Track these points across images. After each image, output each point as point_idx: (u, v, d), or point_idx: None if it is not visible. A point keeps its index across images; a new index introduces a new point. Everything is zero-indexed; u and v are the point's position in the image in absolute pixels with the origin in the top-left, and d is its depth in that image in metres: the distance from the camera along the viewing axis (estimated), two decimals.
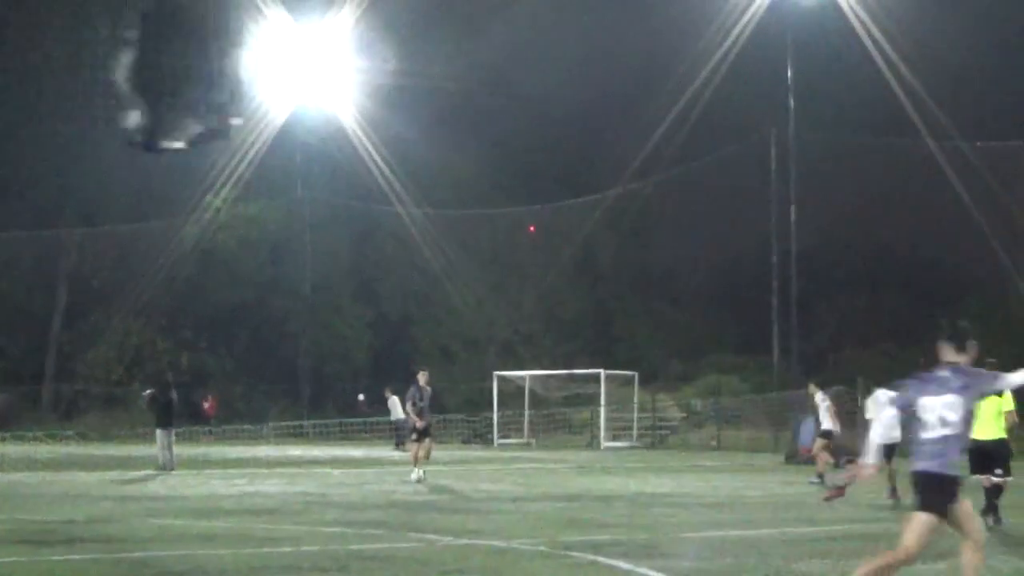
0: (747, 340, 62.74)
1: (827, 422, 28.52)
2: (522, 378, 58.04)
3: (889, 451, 22.11)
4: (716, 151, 63.29)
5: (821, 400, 29.04)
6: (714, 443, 50.22)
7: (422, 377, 28.73)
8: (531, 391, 57.94)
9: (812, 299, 61.96)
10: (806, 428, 42.86)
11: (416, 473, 27.80)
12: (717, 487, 26.60)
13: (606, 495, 25.15)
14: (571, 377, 57.89)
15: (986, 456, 17.50)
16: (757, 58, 59.77)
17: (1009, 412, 17.76)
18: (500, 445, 53.69)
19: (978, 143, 60.79)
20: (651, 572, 13.26)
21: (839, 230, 65.06)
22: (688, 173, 65.93)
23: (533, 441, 55.34)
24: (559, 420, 58.28)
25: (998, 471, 17.61)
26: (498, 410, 56.58)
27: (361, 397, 64.01)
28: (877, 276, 66.13)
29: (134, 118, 10.72)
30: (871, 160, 63.82)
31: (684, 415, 57.19)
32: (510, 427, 57.03)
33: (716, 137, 63.60)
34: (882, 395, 23.93)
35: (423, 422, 28.33)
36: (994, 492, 17.77)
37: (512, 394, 57.84)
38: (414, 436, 28.52)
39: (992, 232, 59.36)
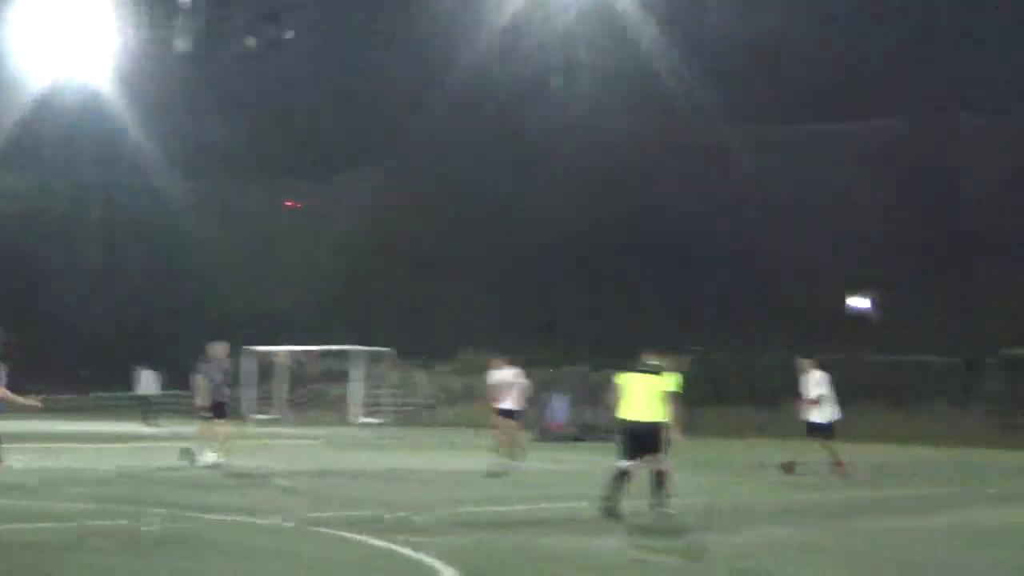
0: (508, 319, 63.39)
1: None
2: (276, 353, 57.61)
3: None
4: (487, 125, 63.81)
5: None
6: (468, 419, 50.57)
7: (219, 350, 26.10)
8: (285, 366, 57.56)
9: (576, 278, 63.07)
10: (558, 405, 43.63)
11: (210, 456, 25.08)
12: (469, 464, 26.82)
13: (358, 471, 25.14)
14: (326, 353, 57.68)
15: (640, 440, 16.69)
16: (526, 40, 60.42)
17: (672, 394, 16.75)
18: (254, 420, 53.16)
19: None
20: (401, 548, 13.29)
21: (609, 210, 66.08)
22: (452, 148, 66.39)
23: (287, 416, 54.98)
24: (314, 396, 58.03)
25: (652, 455, 16.69)
26: (252, 385, 56.03)
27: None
28: (648, 257, 67.47)
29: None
30: (642, 142, 65.21)
31: (439, 392, 57.50)
32: (263, 402, 56.53)
33: (489, 111, 64.30)
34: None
35: (219, 400, 25.55)
36: (659, 477, 16.78)
37: (267, 369, 57.36)
38: (209, 414, 25.53)
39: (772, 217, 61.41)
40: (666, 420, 16.61)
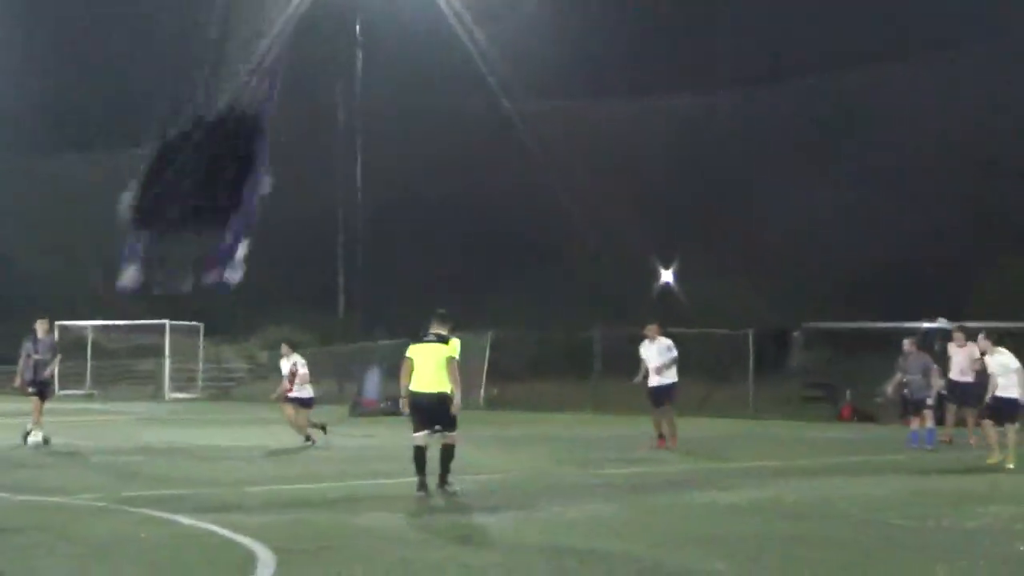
0: (315, 293, 63.18)
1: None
2: (84, 328, 56.69)
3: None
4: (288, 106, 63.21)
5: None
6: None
7: (40, 327, 25.48)
8: (94, 341, 56.69)
9: (382, 253, 62.92)
10: (371, 381, 43.71)
11: (37, 435, 24.53)
12: (281, 440, 26.86)
13: (169, 448, 25.00)
14: (136, 327, 56.92)
15: (431, 411, 16.65)
16: (328, 12, 59.98)
17: (450, 360, 16.63)
18: (63, 396, 52.25)
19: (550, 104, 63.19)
20: (213, 526, 13.34)
21: (412, 186, 66.22)
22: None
23: (97, 392, 54.19)
24: (123, 371, 57.25)
25: (444, 427, 16.62)
26: (61, 360, 54.98)
27: None
28: (446, 232, 67.86)
29: None
30: (442, 119, 65.28)
31: (249, 367, 57.17)
32: (72, 378, 55.57)
33: (286, 91, 63.57)
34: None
35: (40, 376, 24.98)
36: (447, 451, 16.70)
37: (75, 344, 56.37)
38: (32, 391, 24.88)
39: (563, 192, 61.93)
40: (453, 389, 16.62)
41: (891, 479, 19.30)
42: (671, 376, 25.71)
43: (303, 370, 26.20)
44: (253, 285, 66.56)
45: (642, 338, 26.23)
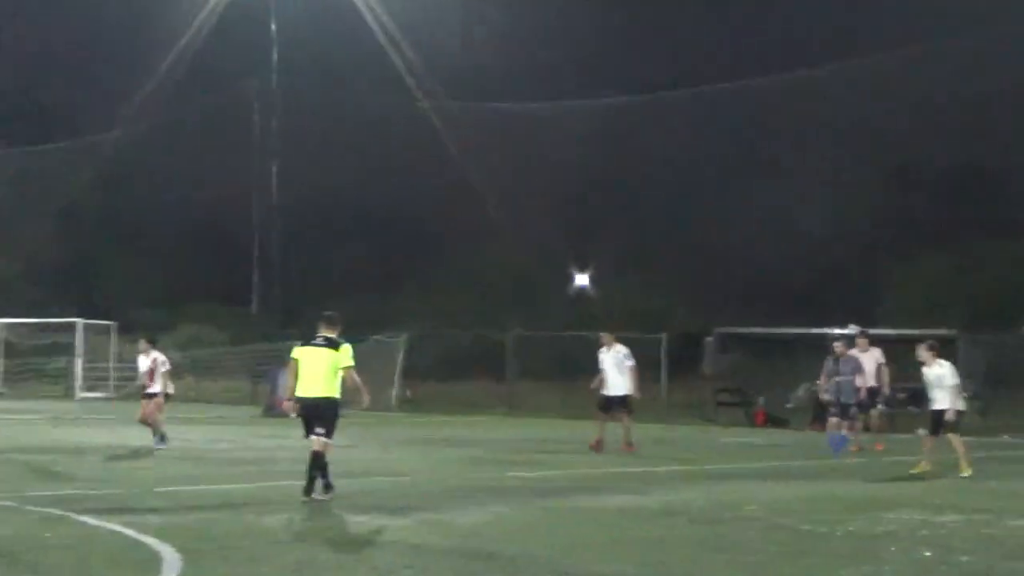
0: (229, 291, 62.87)
1: None
2: None
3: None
4: (204, 101, 62.94)
5: None
6: (192, 394, 50.01)
7: None
8: (4, 340, 56.02)
9: (299, 251, 62.78)
10: (284, 382, 43.40)
11: None
12: (192, 440, 26.62)
13: (78, 447, 24.77)
14: (47, 326, 56.25)
15: (312, 415, 16.38)
16: (244, 10, 59.80)
17: (347, 369, 16.33)
18: None
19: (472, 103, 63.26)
20: (118, 527, 13.24)
21: (329, 185, 65.97)
22: (177, 123, 65.38)
23: (6, 391, 53.52)
24: (33, 369, 56.56)
25: (319, 430, 16.22)
26: None
27: None
28: (363, 231, 67.76)
29: None
30: (360, 118, 65.13)
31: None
32: None
33: (206, 86, 63.38)
34: None
35: None
36: (317, 458, 16.22)
37: None
38: None
39: (480, 193, 62.09)
40: (338, 395, 16.35)
41: (800, 484, 19.46)
42: (623, 386, 25.83)
43: (164, 367, 25.68)
44: (166, 283, 66.31)
45: (599, 346, 26.50)
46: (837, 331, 40.38)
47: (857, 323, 40.53)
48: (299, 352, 16.55)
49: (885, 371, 27.45)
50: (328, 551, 12.27)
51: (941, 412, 20.89)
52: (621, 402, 25.85)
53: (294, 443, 26.77)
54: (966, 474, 20.46)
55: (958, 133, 60.69)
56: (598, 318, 52.20)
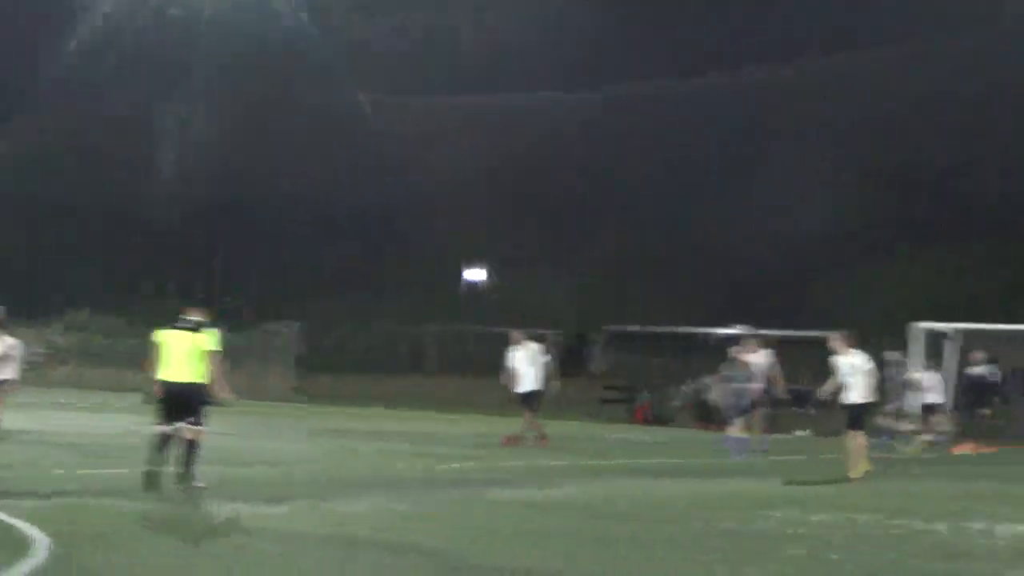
0: (121, 277, 62.16)
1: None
2: None
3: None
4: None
5: None
6: (75, 380, 49.44)
7: None
8: None
9: (195, 238, 62.35)
10: None
11: None
12: (77, 425, 26.24)
13: None
14: None
15: (179, 401, 15.96)
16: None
17: (211, 352, 15.97)
18: None
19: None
20: None
21: (242, 174, 65.52)
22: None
23: None
24: None
25: (189, 419, 15.83)
26: None
27: None
28: (274, 221, 67.42)
29: None
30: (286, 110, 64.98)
31: (48, 351, 55.83)
32: None
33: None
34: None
35: None
36: (191, 446, 15.82)
37: None
38: None
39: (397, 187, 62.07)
40: (205, 381, 15.93)
41: (678, 482, 19.57)
42: (532, 383, 26.43)
43: (15, 352, 24.97)
44: (54, 268, 65.34)
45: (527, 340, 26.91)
46: (722, 331, 40.88)
47: (747, 324, 40.99)
48: (162, 336, 16.09)
49: (777, 372, 27.60)
50: (203, 538, 12.14)
51: (854, 406, 20.66)
52: (531, 397, 26.43)
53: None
54: (856, 475, 20.25)
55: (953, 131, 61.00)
56: (492, 314, 52.33)
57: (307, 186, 66.71)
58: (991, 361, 31.46)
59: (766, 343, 27.43)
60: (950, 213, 58.02)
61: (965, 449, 29.64)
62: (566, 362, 43.22)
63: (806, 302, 53.70)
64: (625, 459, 24.57)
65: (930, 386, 30.02)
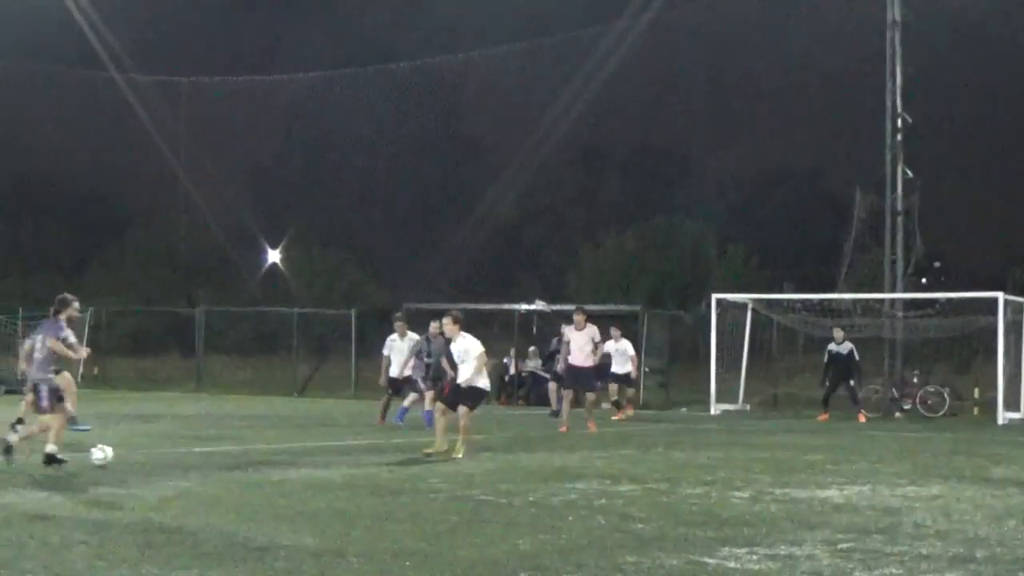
0: None
1: None
2: None
3: None
4: None
5: None
6: None
7: None
8: None
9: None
10: None
11: None
12: None
13: None
14: None
15: None
16: None
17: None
18: None
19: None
20: None
21: (8, 156, 63.94)
22: None
23: None
24: None
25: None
26: None
27: None
28: (34, 205, 66.02)
29: None
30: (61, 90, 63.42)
31: None
32: None
33: None
34: None
35: None
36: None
37: None
38: None
39: (173, 165, 61.00)
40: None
41: (482, 456, 19.76)
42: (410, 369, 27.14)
43: None
44: None
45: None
46: (524, 307, 41.33)
47: (544, 299, 41.56)
48: None
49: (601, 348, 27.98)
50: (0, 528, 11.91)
51: (459, 387, 19.75)
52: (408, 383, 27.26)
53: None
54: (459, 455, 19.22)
55: (642, 114, 62.58)
56: (291, 294, 52.01)
57: (73, 170, 65.49)
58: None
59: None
60: None
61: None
62: (364, 340, 43.23)
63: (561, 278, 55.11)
64: (421, 436, 24.69)
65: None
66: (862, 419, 32.34)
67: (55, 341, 16.99)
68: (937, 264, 43.41)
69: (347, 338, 43.22)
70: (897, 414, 34.78)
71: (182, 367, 47.30)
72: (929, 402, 34.91)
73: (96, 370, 46.03)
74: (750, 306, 37.50)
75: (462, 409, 19.37)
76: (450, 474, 16.83)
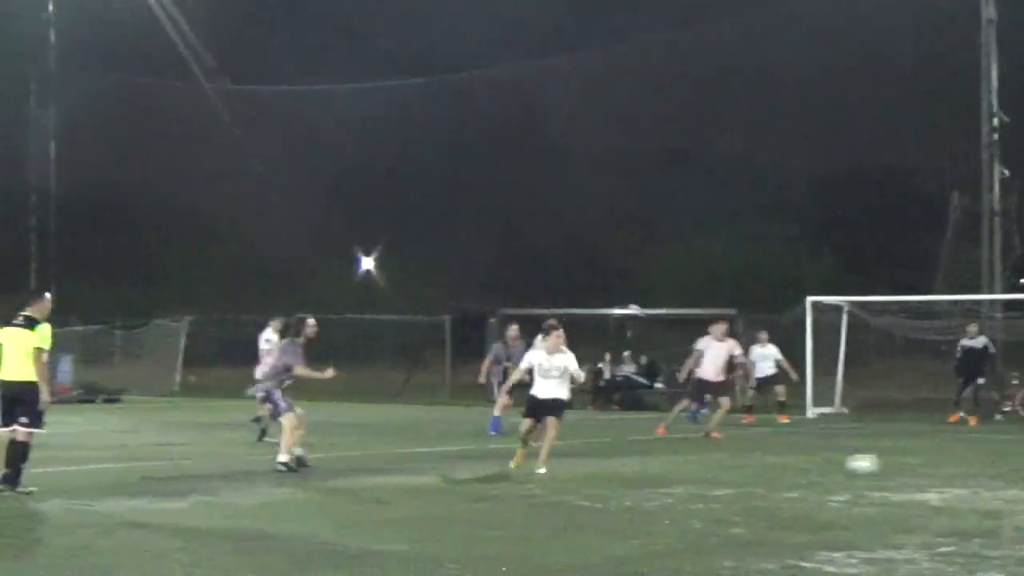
0: (2, 277, 61.17)
1: None
2: None
3: None
4: None
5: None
6: None
7: None
8: None
9: (77, 237, 61.37)
10: (63, 368, 42.49)
11: None
12: None
13: None
14: None
15: (13, 402, 15.16)
16: None
17: (36, 350, 15.07)
18: None
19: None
20: None
21: (108, 168, 64.54)
22: None
23: None
24: None
25: (23, 419, 15.04)
26: None
27: None
28: (142, 217, 66.72)
29: None
30: (140, 101, 63.96)
31: None
32: None
33: None
34: None
35: None
36: (18, 449, 15.10)
37: None
38: None
39: (261, 177, 61.48)
40: (37, 379, 15.11)
41: (576, 461, 19.70)
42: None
43: None
44: None
45: None
46: (618, 311, 41.20)
47: (637, 304, 41.43)
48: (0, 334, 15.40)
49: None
50: (97, 535, 12.02)
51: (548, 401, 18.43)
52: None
53: (73, 429, 26.37)
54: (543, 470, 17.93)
55: (734, 118, 62.15)
56: (385, 301, 52.23)
57: (168, 178, 65.98)
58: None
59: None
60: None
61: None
62: (459, 346, 43.35)
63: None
64: (516, 442, 24.64)
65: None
66: (954, 419, 31.87)
67: (303, 369, 18.24)
68: None
69: (440, 345, 43.33)
70: (997, 416, 34.25)
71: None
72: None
73: (193, 377, 46.50)
74: (845, 308, 37.11)
75: (551, 419, 18.42)
76: (545, 480, 16.78)
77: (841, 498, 14.87)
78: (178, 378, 45.81)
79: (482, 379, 26.60)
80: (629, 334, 41.61)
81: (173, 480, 16.66)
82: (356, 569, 10.34)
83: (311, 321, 18.55)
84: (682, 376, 27.40)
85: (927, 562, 10.60)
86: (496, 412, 25.73)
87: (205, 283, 61.32)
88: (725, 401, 25.85)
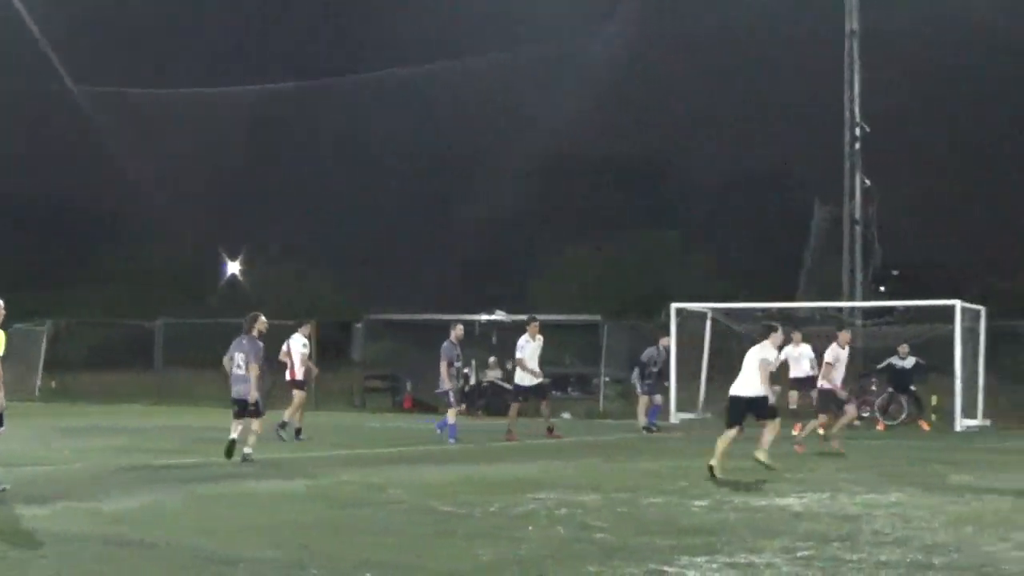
0: None
1: None
2: None
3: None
4: None
5: None
6: None
7: None
8: None
9: None
10: None
11: None
12: None
13: None
14: None
15: None
16: None
17: None
18: None
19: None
20: None
21: None
22: None
23: None
24: None
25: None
26: None
27: None
28: (10, 220, 65.76)
29: None
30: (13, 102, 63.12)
31: None
32: None
33: None
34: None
35: None
36: None
37: None
38: None
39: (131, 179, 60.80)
40: None
41: (443, 468, 19.78)
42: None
43: None
44: None
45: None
46: (484, 317, 41.30)
47: (504, 309, 41.55)
48: None
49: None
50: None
51: None
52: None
53: None
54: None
55: (616, 125, 62.69)
56: (250, 305, 51.69)
57: (39, 180, 65.07)
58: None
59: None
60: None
61: None
62: (325, 351, 43.10)
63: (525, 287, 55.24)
64: (385, 447, 24.69)
65: None
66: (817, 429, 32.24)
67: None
68: (896, 272, 43.55)
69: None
70: (856, 422, 34.88)
71: (141, 380, 46.98)
72: (888, 409, 35.06)
73: (54, 383, 45.71)
74: (709, 315, 37.52)
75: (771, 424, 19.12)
76: (412, 485, 16.84)
77: (703, 503, 15.11)
78: (39, 382, 45.02)
79: (446, 385, 25.99)
80: (495, 340, 41.63)
81: (37, 485, 16.43)
82: (224, 574, 10.33)
83: (263, 318, 19.76)
84: (842, 392, 25.73)
85: (787, 566, 10.84)
86: (451, 419, 25.67)
87: (78, 287, 60.49)
88: (851, 409, 25.70)
